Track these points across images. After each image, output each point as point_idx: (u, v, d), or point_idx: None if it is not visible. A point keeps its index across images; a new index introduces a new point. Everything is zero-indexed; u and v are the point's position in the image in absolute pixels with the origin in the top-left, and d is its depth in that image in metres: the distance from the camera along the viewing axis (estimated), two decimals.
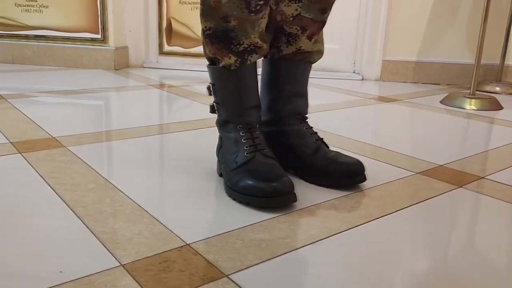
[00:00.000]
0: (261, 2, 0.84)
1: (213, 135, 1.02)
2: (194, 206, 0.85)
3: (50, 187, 0.89)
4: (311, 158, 0.96)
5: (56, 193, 0.86)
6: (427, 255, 0.71)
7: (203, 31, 0.87)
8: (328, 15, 0.99)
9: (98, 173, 0.97)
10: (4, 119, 1.41)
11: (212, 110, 0.95)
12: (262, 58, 1.00)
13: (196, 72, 2.42)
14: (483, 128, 1.58)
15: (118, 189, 0.89)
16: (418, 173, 1.06)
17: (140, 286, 0.59)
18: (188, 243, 0.70)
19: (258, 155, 0.88)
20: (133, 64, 2.61)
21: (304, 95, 1.00)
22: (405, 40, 2.46)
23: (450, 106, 1.88)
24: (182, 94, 1.93)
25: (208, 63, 0.92)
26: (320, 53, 1.00)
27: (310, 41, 0.96)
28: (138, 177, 0.98)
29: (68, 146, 1.15)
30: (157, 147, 1.22)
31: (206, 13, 0.85)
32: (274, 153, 0.94)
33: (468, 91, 1.95)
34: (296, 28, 0.94)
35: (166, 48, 2.66)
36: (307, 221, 0.79)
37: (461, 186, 0.98)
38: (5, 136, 1.21)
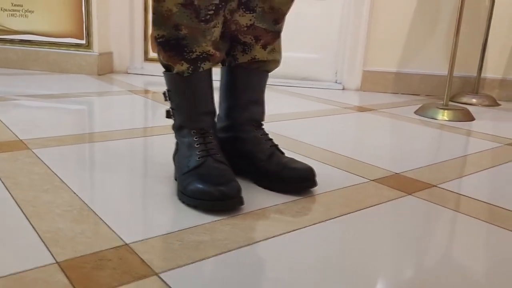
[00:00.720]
0: (211, 12, 0.87)
1: None
2: (143, 208, 0.87)
3: (5, 186, 0.91)
4: (264, 163, 0.98)
5: (10, 193, 0.88)
6: (361, 258, 0.73)
7: (156, 39, 0.90)
8: (282, 25, 1.02)
9: (56, 175, 1.00)
10: None
11: (168, 115, 0.97)
12: (221, 66, 1.03)
13: None
14: (449, 138, 1.61)
15: (72, 191, 0.91)
16: (373, 180, 1.08)
17: (71, 283, 0.61)
18: (127, 243, 0.72)
19: (210, 160, 0.90)
20: (117, 70, 2.64)
21: (260, 103, 1.03)
22: (385, 51, 2.50)
23: (423, 117, 1.91)
24: (163, 101, 1.95)
25: (163, 69, 0.95)
26: (276, 62, 1.03)
27: (265, 50, 0.99)
28: (97, 179, 1.01)
29: (33, 149, 1.17)
30: (125, 151, 1.25)
31: (158, 21, 0.88)
32: (231, 159, 0.97)
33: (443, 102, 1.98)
34: (250, 38, 0.97)
35: (152, 54, 2.69)
36: (250, 224, 0.82)
37: (410, 194, 1.01)
38: None
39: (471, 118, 1.92)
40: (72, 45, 2.45)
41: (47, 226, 0.76)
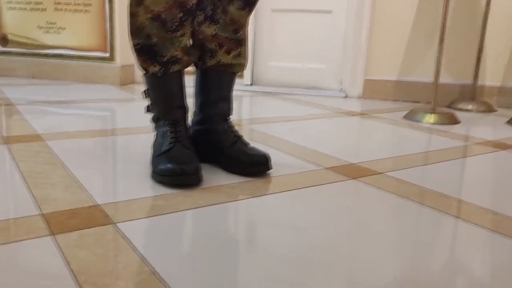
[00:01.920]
0: (177, 23, 1.06)
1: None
2: (120, 183, 1.07)
3: (17, 165, 1.14)
4: (228, 150, 1.16)
5: (19, 168, 1.11)
6: (294, 229, 0.89)
7: (134, 47, 1.11)
8: (242, 34, 1.20)
9: (60, 158, 1.22)
10: (7, 120, 1.69)
11: (147, 109, 1.18)
12: (195, 68, 1.23)
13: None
14: (421, 137, 1.73)
15: (69, 169, 1.13)
16: (327, 168, 1.24)
17: (49, 226, 0.81)
18: (99, 203, 0.92)
19: (178, 145, 1.09)
20: (138, 80, 2.90)
21: (227, 100, 1.21)
22: (385, 61, 2.63)
23: (411, 120, 2.03)
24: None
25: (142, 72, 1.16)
26: (241, 65, 1.22)
27: (229, 55, 1.18)
28: (91, 163, 1.22)
29: (47, 140, 1.40)
30: (130, 144, 1.46)
31: (134, 32, 1.09)
32: (203, 146, 1.16)
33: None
34: (215, 45, 1.16)
35: None
36: (202, 194, 1.00)
37: (355, 178, 1.16)
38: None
39: (456, 122, 2.02)
40: (98, 58, 2.73)
41: (41, 191, 0.97)
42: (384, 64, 2.64)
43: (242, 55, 1.21)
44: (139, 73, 2.92)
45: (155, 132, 1.17)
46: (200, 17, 1.13)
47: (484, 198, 1.09)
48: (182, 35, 1.09)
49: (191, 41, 1.17)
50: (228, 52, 1.17)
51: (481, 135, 1.79)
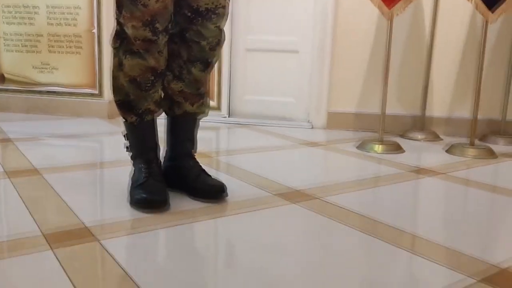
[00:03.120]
0: (149, 85, 1.36)
1: None
2: (105, 207, 1.34)
3: (17, 191, 1.40)
4: (193, 182, 1.44)
5: (18, 193, 1.37)
6: (235, 246, 1.17)
7: (115, 102, 1.40)
8: (203, 89, 1.48)
9: (53, 188, 1.48)
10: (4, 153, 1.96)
11: (127, 149, 1.46)
12: (166, 116, 1.51)
13: None
14: (364, 165, 2.02)
15: (60, 196, 1.39)
16: (274, 194, 1.52)
17: (47, 241, 1.08)
18: (86, 225, 1.19)
19: (150, 179, 1.37)
20: None
21: (191, 140, 1.49)
22: (345, 95, 2.95)
23: (362, 150, 2.33)
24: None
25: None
26: (203, 113, 1.50)
27: (193, 106, 1.46)
28: (84, 189, 1.49)
29: (43, 174, 1.67)
30: (118, 175, 1.73)
31: (115, 90, 1.39)
32: (173, 179, 1.44)
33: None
34: (181, 98, 1.45)
35: None
36: (167, 217, 1.27)
37: (294, 203, 1.44)
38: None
39: (401, 151, 2.32)
40: (88, 94, 3.02)
41: (40, 216, 1.24)
42: (344, 98, 2.95)
43: (204, 104, 1.50)
44: None
45: (133, 168, 1.45)
46: (170, 77, 1.43)
47: (395, 219, 1.38)
48: (154, 92, 1.39)
49: (162, 94, 1.46)
50: (192, 104, 1.46)
51: (413, 162, 2.08)
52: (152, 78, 1.36)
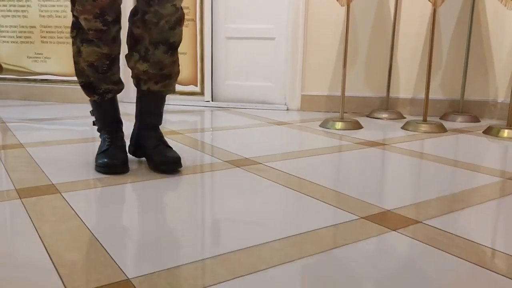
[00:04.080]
0: (105, 68, 1.57)
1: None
2: (75, 171, 1.57)
3: (1, 160, 1.64)
4: (150, 151, 1.65)
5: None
6: (160, 218, 1.39)
7: (79, 83, 1.63)
8: (167, 71, 1.64)
9: (34, 160, 1.71)
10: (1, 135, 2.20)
11: (93, 124, 1.68)
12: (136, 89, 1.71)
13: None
14: (318, 139, 2.22)
15: (38, 165, 1.62)
16: (225, 161, 1.73)
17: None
18: (53, 183, 1.41)
19: (112, 147, 1.59)
20: None
21: (156, 114, 1.67)
22: (317, 79, 3.14)
23: (324, 128, 2.53)
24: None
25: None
26: (168, 91, 1.67)
27: (157, 85, 1.64)
28: (61, 159, 1.71)
29: (27, 147, 1.90)
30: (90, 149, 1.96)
31: (78, 74, 1.62)
32: (137, 146, 1.66)
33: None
34: (146, 77, 1.63)
35: None
36: (125, 177, 1.49)
37: (238, 167, 1.65)
38: None
39: (360, 127, 2.52)
40: (77, 82, 3.24)
41: (16, 176, 1.46)
42: (317, 82, 3.15)
43: (168, 84, 1.67)
44: None
45: (100, 137, 1.67)
46: (136, 57, 1.60)
47: (319, 178, 1.58)
48: (111, 75, 1.61)
49: (131, 74, 1.66)
50: (156, 83, 1.63)
51: (366, 137, 2.28)
52: (108, 62, 1.57)
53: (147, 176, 1.53)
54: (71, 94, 3.27)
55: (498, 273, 0.91)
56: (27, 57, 3.30)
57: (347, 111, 3.12)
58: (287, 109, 3.23)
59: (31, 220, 1.13)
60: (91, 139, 2.14)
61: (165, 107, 1.71)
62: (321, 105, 3.17)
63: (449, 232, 1.10)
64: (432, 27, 2.45)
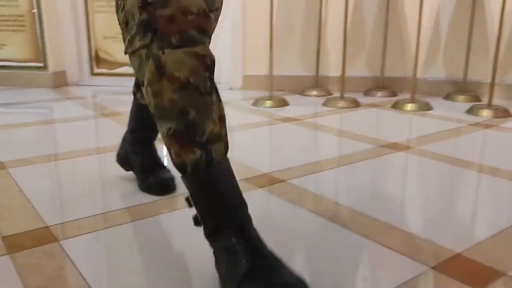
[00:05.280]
0: (209, 84, 0.87)
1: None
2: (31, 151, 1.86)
3: None
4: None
5: None
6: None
7: (166, 134, 0.86)
8: None
9: None
10: None
11: (196, 222, 0.89)
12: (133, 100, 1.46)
13: (118, 88, 3.45)
14: (244, 117, 2.54)
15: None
16: None
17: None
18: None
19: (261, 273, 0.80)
20: (70, 83, 3.65)
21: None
22: (256, 59, 3.44)
23: (256, 106, 2.85)
24: (90, 104, 2.94)
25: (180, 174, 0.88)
26: None
27: None
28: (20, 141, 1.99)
29: None
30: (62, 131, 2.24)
31: (163, 115, 0.85)
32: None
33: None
34: None
35: (96, 70, 3.69)
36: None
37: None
38: None
39: (286, 105, 2.85)
40: (34, 67, 3.47)
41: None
42: (256, 63, 3.45)
43: None
44: (71, 76, 3.66)
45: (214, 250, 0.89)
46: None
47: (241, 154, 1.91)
48: (219, 101, 0.92)
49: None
50: None
51: (287, 114, 2.60)
52: (207, 74, 0.87)
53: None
54: (28, 79, 3.50)
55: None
56: None
57: (284, 89, 3.45)
58: (230, 88, 3.53)
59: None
60: (67, 119, 2.41)
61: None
62: (261, 84, 3.47)
63: (307, 190, 1.45)
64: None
